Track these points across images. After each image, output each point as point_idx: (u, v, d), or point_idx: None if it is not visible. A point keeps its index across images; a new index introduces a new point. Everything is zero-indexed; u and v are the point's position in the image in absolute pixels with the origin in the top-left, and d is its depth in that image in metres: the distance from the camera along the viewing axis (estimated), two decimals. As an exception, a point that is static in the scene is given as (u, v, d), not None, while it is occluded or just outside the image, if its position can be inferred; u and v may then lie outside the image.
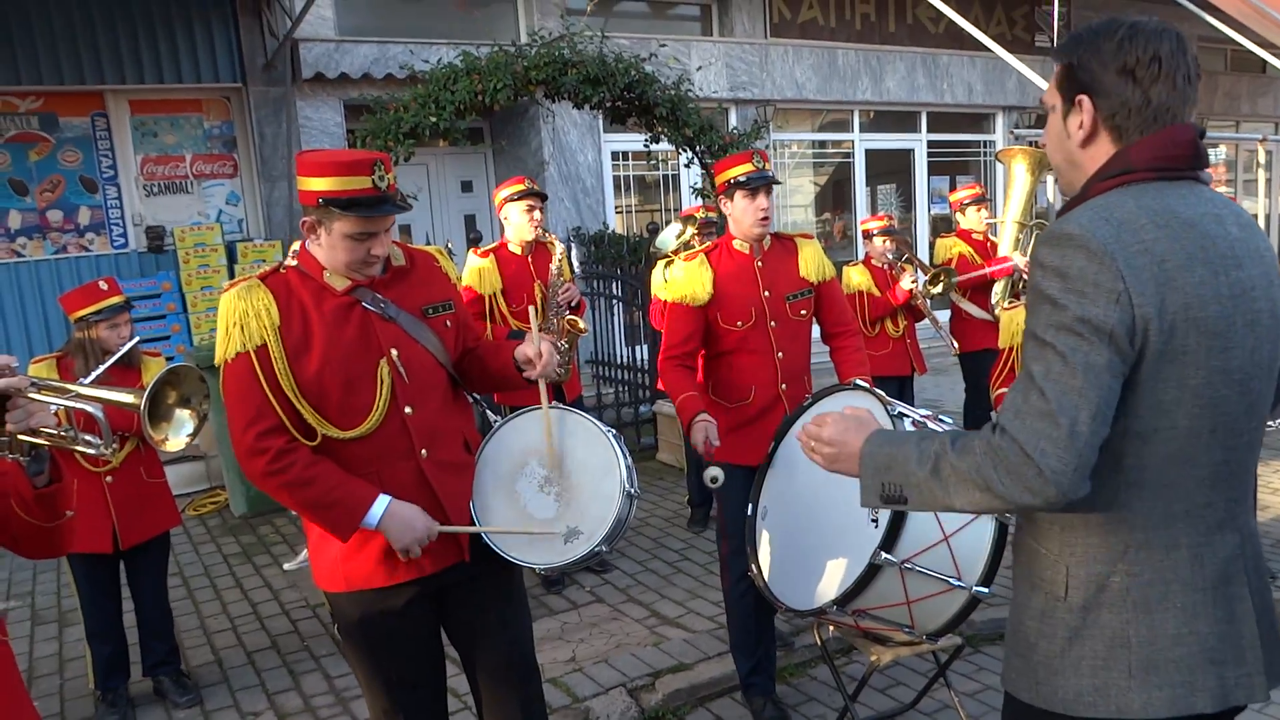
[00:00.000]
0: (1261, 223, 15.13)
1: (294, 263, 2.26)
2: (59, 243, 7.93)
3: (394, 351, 2.23)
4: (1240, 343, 1.38)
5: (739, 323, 3.27)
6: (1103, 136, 1.47)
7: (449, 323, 2.41)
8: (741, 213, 3.27)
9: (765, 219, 3.26)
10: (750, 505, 2.84)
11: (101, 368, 3.40)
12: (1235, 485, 1.46)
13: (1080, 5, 12.66)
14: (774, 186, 3.29)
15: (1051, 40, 12.22)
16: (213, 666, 4.09)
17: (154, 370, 3.74)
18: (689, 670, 3.74)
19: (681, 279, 3.32)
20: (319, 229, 2.17)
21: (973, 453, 1.39)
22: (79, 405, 1.99)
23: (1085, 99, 1.46)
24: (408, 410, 2.24)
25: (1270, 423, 4.12)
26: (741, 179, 3.23)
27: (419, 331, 2.30)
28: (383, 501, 2.16)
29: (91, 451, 1.98)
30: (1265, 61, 10.66)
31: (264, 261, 8.03)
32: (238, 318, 2.13)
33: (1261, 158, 9.70)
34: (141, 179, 8.16)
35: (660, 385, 5.44)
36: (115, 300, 3.61)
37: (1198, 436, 1.39)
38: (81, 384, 2.12)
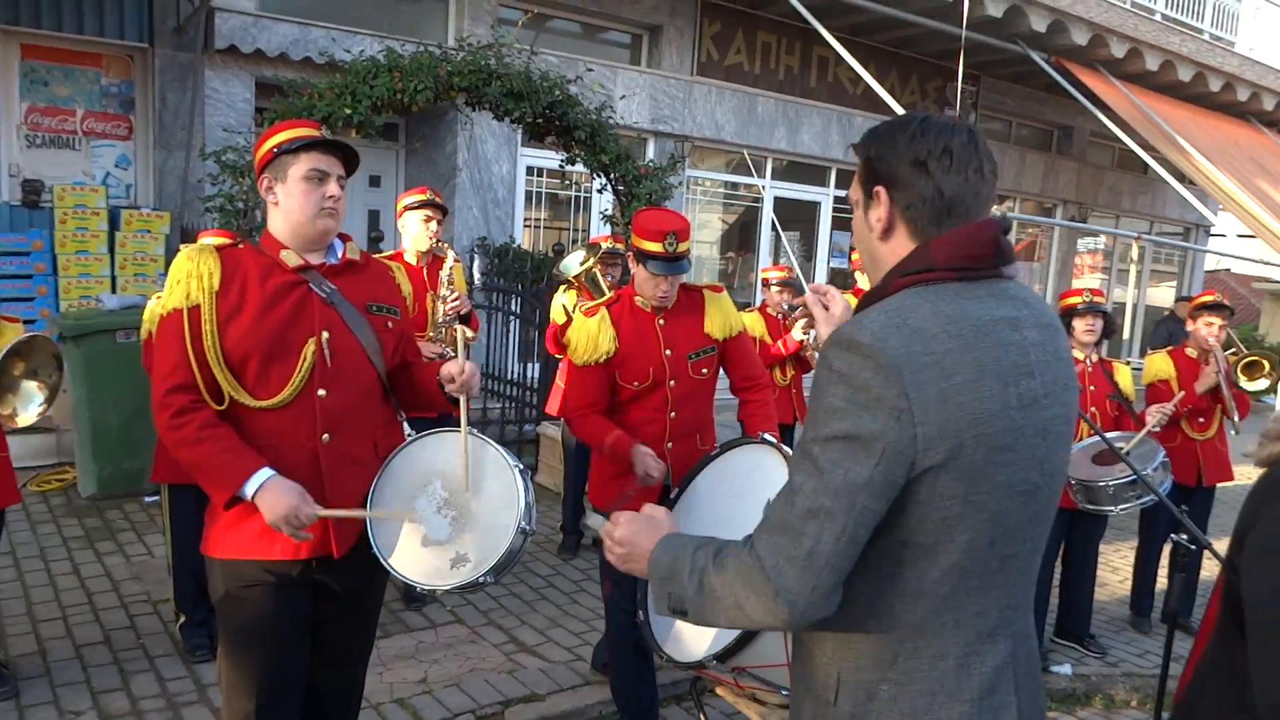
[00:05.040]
0: (1129, 311, 16.16)
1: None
2: (-78, 183, 7.40)
3: (325, 334, 2.30)
4: (1028, 454, 1.34)
5: (636, 383, 3.20)
6: (900, 230, 1.44)
7: (390, 324, 2.49)
8: (643, 284, 3.20)
9: (665, 298, 3.19)
10: None
11: (-51, 329, 3.19)
12: (1010, 592, 1.42)
13: (988, 88, 13.32)
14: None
15: (958, 115, 12.80)
16: (35, 658, 3.82)
17: (9, 337, 3.50)
18: (541, 702, 3.70)
19: (582, 340, 3.21)
20: (276, 187, 2.32)
21: (726, 569, 1.34)
22: None
23: (882, 190, 1.44)
24: (321, 393, 2.29)
25: (1113, 508, 4.32)
26: (649, 257, 3.11)
27: (357, 323, 2.38)
28: (263, 474, 2.19)
29: None
30: (1147, 164, 11.44)
31: (148, 232, 7.67)
32: (182, 275, 2.25)
33: (1135, 254, 10.36)
34: (24, 128, 7.69)
35: (557, 414, 5.44)
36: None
37: (976, 549, 1.35)
38: None
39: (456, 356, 4.48)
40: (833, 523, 1.27)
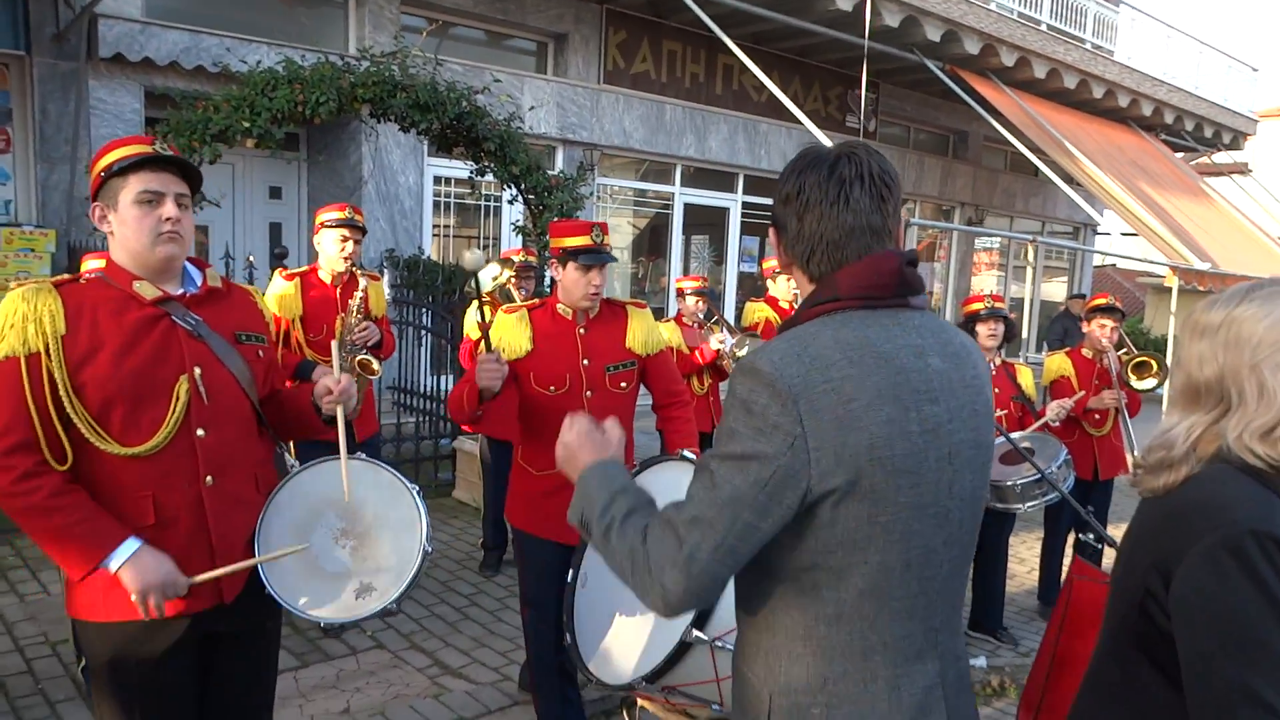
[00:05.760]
0: (1026, 306, 16.82)
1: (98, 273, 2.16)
2: None
3: (197, 370, 2.14)
4: (933, 478, 1.38)
5: (551, 388, 3.14)
6: (793, 265, 1.51)
7: (261, 353, 2.33)
8: (572, 284, 3.14)
9: (596, 294, 3.15)
10: (571, 571, 2.81)
11: None
12: (933, 614, 1.45)
13: (887, 94, 13.70)
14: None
15: (859, 121, 13.13)
16: (-79, 712, 3.59)
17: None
18: (469, 726, 3.65)
19: (498, 331, 3.19)
20: (109, 214, 2.12)
21: (626, 539, 1.44)
22: None
23: (772, 231, 1.55)
24: (200, 433, 2.13)
25: (1021, 506, 4.48)
26: (576, 250, 3.10)
27: (228, 355, 2.22)
28: (130, 546, 2.01)
29: None
30: (1037, 167, 11.94)
31: (32, 250, 7.29)
32: (17, 320, 2.01)
33: (1030, 256, 10.80)
34: (-110, 142, 7.22)
35: (472, 429, 5.37)
36: None
37: (891, 571, 1.38)
38: None
39: (360, 389, 4.38)
40: (712, 533, 1.34)
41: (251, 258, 6.39)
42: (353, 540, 2.31)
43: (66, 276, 2.16)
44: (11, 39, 7.37)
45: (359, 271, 4.44)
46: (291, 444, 4.21)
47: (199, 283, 2.25)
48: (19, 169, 7.74)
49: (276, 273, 4.47)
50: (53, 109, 7.57)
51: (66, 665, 3.96)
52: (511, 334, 3.18)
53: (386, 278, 8.12)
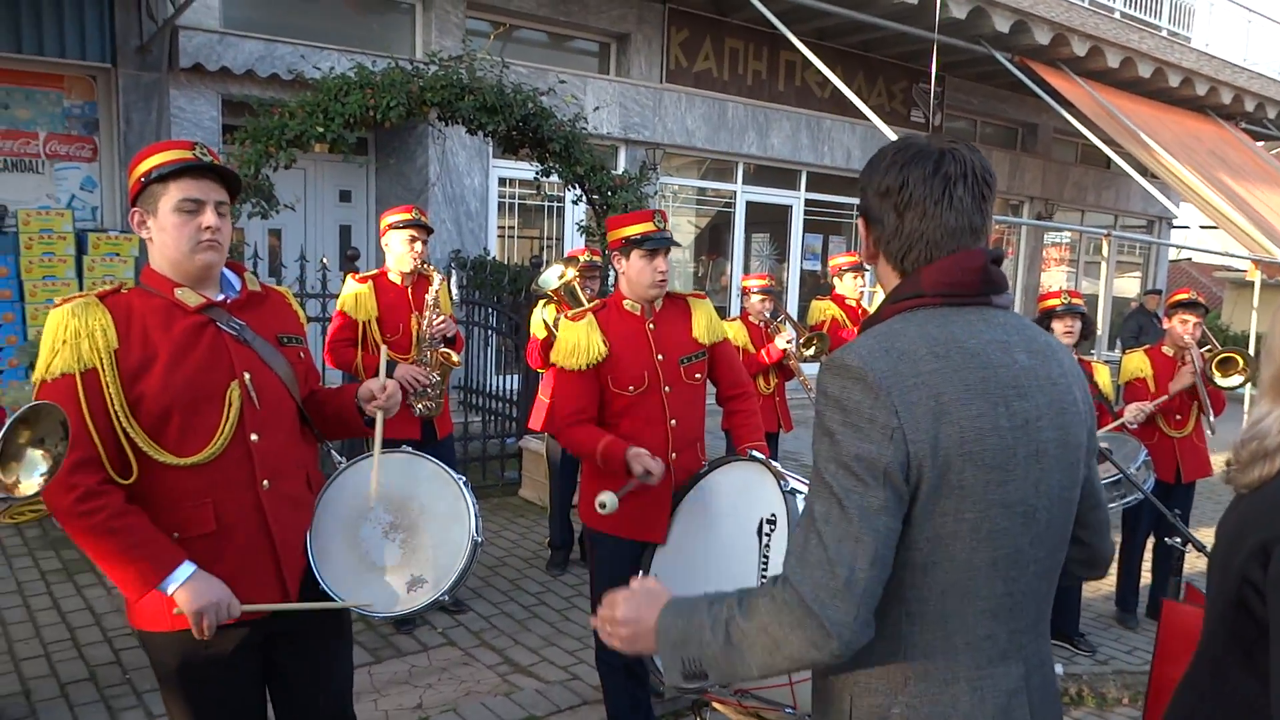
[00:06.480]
0: (1100, 303, 16.37)
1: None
2: (-119, 211, 7.22)
3: (247, 375, 2.15)
4: (1022, 475, 1.36)
5: (630, 388, 3.12)
6: (881, 258, 1.49)
7: (301, 355, 2.36)
8: (638, 273, 3.13)
9: (663, 281, 3.14)
10: (641, 572, 2.81)
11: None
12: (1019, 616, 1.42)
13: (953, 88, 13.45)
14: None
15: (926, 116, 12.92)
16: (19, 699, 3.74)
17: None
18: (539, 723, 3.69)
19: (569, 341, 3.14)
20: (148, 220, 2.11)
21: (758, 611, 1.34)
22: None
23: (861, 222, 1.52)
24: (254, 438, 2.14)
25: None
26: (640, 238, 3.10)
27: (273, 358, 2.23)
28: (186, 570, 2.03)
29: None
30: (1110, 159, 11.60)
31: (118, 255, 7.55)
32: (69, 336, 2.00)
33: (1105, 250, 10.53)
34: (-15, 152, 7.55)
35: (540, 429, 5.43)
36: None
37: (976, 569, 1.36)
38: None
39: (441, 381, 4.47)
40: (864, 548, 1.29)
41: (325, 259, 6.54)
42: (402, 533, 2.35)
43: (108, 288, 2.15)
44: (99, 52, 7.64)
45: (429, 268, 4.52)
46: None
47: (238, 287, 2.26)
48: (105, 177, 8.04)
49: (349, 276, 4.57)
50: (136, 118, 7.83)
51: (153, 656, 4.10)
52: (585, 341, 3.13)
53: (453, 278, 8.26)
